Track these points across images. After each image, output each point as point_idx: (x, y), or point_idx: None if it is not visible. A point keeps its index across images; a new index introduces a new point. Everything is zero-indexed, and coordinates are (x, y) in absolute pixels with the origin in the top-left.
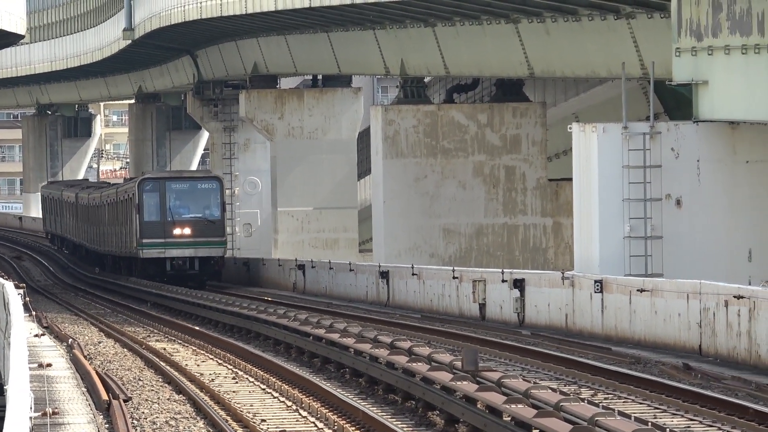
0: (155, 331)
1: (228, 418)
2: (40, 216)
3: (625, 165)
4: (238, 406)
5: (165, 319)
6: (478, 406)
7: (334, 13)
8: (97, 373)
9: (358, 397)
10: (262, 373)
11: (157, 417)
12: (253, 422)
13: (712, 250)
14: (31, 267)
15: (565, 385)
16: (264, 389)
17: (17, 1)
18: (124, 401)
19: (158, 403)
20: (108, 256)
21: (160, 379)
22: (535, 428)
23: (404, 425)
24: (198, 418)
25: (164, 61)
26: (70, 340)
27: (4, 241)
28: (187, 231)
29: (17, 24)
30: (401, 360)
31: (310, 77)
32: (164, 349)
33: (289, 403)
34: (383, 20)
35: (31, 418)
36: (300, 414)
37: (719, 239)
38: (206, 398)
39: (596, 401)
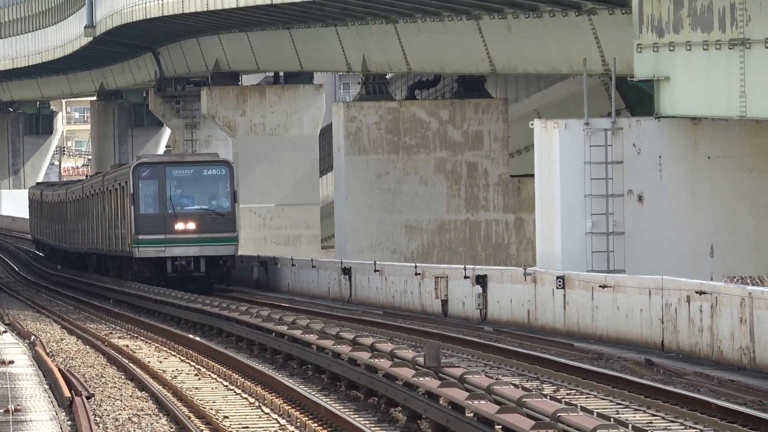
0: (118, 328)
1: (191, 414)
2: (5, 214)
3: (586, 161)
4: (201, 402)
5: (127, 316)
6: (441, 402)
7: (296, 10)
8: (59, 370)
9: (320, 393)
10: (224, 369)
11: (119, 414)
12: (216, 419)
13: (674, 246)
14: None
15: (527, 381)
16: (227, 386)
17: None
18: (87, 398)
19: (121, 400)
20: (93, 256)
21: (123, 376)
22: (498, 424)
23: (367, 421)
24: (161, 414)
25: (126, 58)
26: (33, 337)
27: None
28: (192, 225)
29: None
30: (364, 356)
31: (272, 74)
32: (127, 346)
33: (252, 400)
34: (345, 17)
35: None
36: (263, 410)
37: (681, 235)
38: (169, 395)
39: (558, 397)
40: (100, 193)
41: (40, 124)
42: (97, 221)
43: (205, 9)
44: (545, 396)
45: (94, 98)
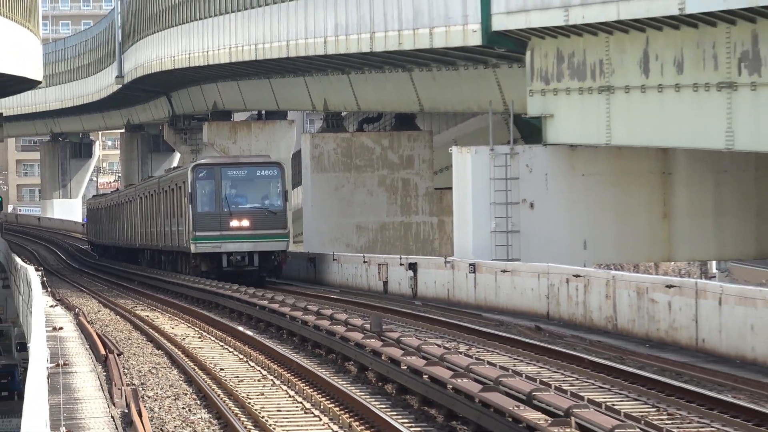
0: (140, 302)
1: (195, 367)
2: (56, 217)
3: (491, 177)
4: (203, 358)
5: (148, 294)
6: (383, 358)
7: (274, 64)
8: (96, 334)
9: (293, 351)
10: (221, 334)
11: (142, 367)
12: (214, 370)
13: (557, 241)
14: (47, 255)
15: (447, 342)
16: (222, 346)
17: (36, 57)
18: (118, 355)
19: (143, 357)
20: (146, 251)
21: (144, 339)
22: (425, 374)
23: (327, 372)
24: (173, 367)
25: (146, 100)
26: (77, 309)
27: (27, 235)
28: (246, 223)
29: (36, 73)
30: (324, 323)
31: (256, 112)
32: (147, 316)
33: (241, 356)
34: (311, 70)
35: (47, 368)
36: (249, 364)
37: (562, 232)
38: (179, 352)
39: (470, 354)
40: (156, 194)
41: (82, 149)
42: (153, 219)
43: (206, 63)
44: (461, 353)
45: (123, 130)
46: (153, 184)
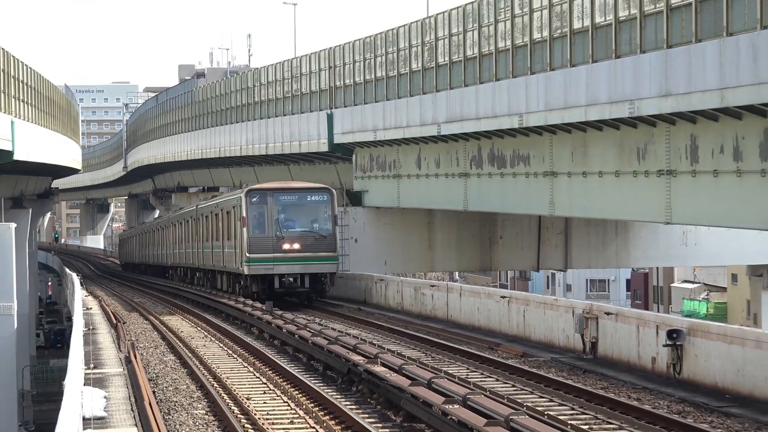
0: (147, 298)
1: (167, 331)
2: (89, 245)
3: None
4: (173, 326)
5: (143, 290)
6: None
7: (212, 161)
8: (111, 311)
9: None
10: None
11: (136, 330)
12: (179, 333)
13: (370, 261)
14: (82, 267)
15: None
16: (184, 318)
17: (78, 156)
18: (123, 324)
19: (137, 325)
20: (179, 269)
21: (138, 314)
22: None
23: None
24: (154, 331)
25: (140, 180)
26: (99, 298)
27: (71, 255)
28: (297, 246)
29: (77, 165)
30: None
31: (202, 187)
32: (140, 302)
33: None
34: (233, 164)
35: (83, 331)
36: (198, 329)
37: (373, 255)
38: (158, 323)
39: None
40: (194, 220)
41: (103, 207)
42: (190, 242)
43: (173, 160)
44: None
45: (126, 197)
46: (190, 212)
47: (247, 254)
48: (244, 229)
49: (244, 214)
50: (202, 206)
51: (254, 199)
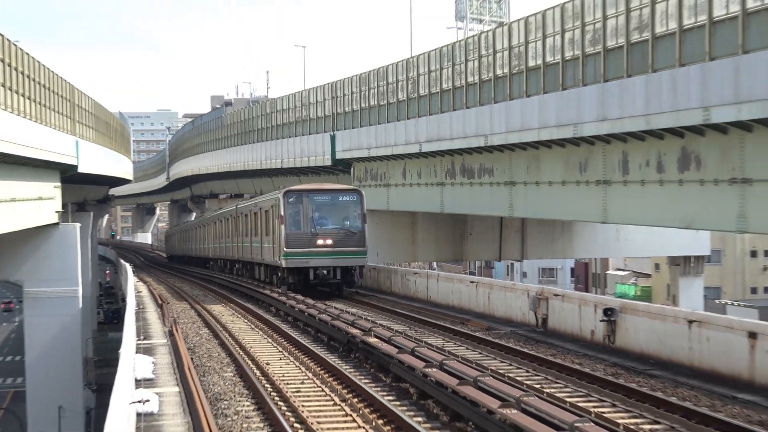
0: (187, 282)
1: (203, 310)
2: (138, 241)
3: None
4: (208, 307)
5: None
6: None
7: (238, 173)
8: (157, 294)
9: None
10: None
11: (177, 309)
12: (213, 312)
13: (367, 253)
14: (134, 258)
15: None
16: (218, 300)
17: (130, 169)
18: (167, 304)
19: (178, 305)
20: (219, 260)
21: (179, 296)
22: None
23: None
24: (192, 310)
25: (179, 188)
26: (148, 283)
27: (125, 249)
28: (329, 241)
29: (129, 176)
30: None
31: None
32: (180, 286)
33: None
34: (254, 175)
35: (134, 310)
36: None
37: (368, 249)
38: (195, 304)
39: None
40: (234, 219)
41: (150, 210)
42: (230, 237)
43: (207, 173)
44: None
45: (169, 202)
46: (230, 211)
47: (285, 249)
48: (282, 226)
49: (282, 213)
50: (241, 206)
51: (291, 199)
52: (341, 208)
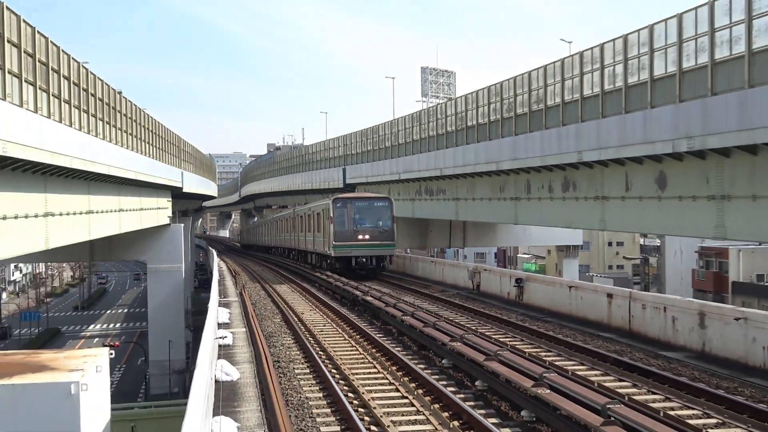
0: (259, 264)
1: (266, 283)
2: (220, 235)
3: None
4: (269, 280)
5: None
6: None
7: (284, 192)
8: (233, 270)
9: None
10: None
11: (246, 280)
12: (272, 284)
13: None
14: (217, 245)
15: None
16: (280, 274)
17: (215, 189)
18: (238, 275)
19: (247, 276)
20: (278, 248)
21: (248, 271)
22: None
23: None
24: (256, 282)
25: (247, 202)
26: (227, 262)
27: (211, 240)
28: (367, 237)
29: (215, 194)
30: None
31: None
32: (248, 265)
33: (292, 287)
34: (294, 194)
35: (218, 279)
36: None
37: None
38: (258, 278)
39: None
40: (292, 219)
41: (228, 216)
42: (288, 232)
43: (265, 192)
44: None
45: (240, 211)
46: (288, 213)
47: (333, 242)
48: (331, 225)
49: (332, 215)
50: (299, 210)
51: (338, 205)
52: (376, 212)
